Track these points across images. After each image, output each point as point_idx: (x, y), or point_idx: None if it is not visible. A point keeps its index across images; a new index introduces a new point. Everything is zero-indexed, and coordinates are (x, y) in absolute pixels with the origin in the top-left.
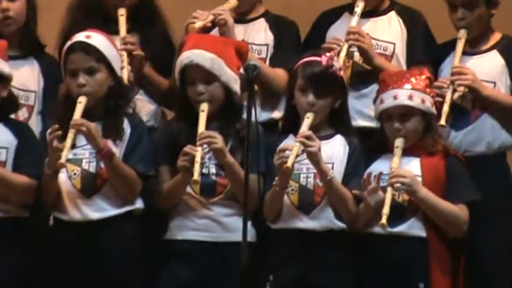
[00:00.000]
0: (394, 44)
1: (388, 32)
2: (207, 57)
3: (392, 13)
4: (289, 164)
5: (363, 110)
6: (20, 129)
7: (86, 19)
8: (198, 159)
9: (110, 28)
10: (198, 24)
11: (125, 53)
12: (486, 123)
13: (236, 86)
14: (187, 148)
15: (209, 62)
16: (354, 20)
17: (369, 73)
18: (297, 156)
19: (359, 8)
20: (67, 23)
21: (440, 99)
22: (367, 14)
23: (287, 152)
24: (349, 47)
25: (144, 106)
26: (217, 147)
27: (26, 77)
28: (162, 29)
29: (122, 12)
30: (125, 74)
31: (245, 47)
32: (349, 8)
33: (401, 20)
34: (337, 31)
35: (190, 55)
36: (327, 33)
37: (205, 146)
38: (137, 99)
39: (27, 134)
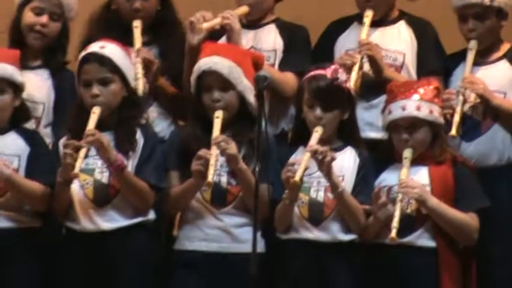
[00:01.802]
0: (404, 54)
1: (397, 42)
2: (226, 64)
3: (402, 23)
4: (296, 178)
5: (372, 121)
6: (32, 138)
7: (106, 31)
8: (212, 162)
9: (129, 40)
10: (206, 25)
11: (140, 65)
12: (497, 134)
13: (251, 96)
14: (202, 152)
15: (228, 69)
16: (364, 31)
17: (379, 84)
18: (306, 169)
19: (368, 18)
20: (87, 35)
21: (450, 110)
22: (375, 24)
23: (295, 166)
24: (362, 58)
25: (158, 119)
26: (230, 153)
27: (35, 88)
28: (181, 41)
29: (136, 24)
30: (140, 85)
31: (262, 59)
32: (358, 18)
33: (411, 29)
34: (345, 41)
35: (209, 62)
36: (336, 43)
37: (218, 152)
38: (151, 111)
39: (40, 142)
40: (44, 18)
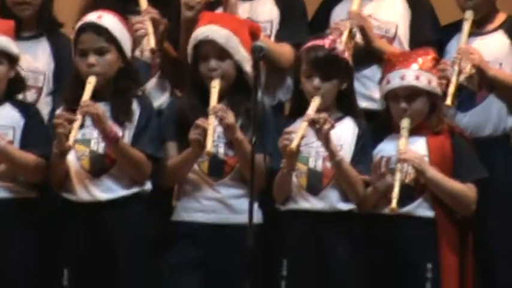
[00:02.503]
0: (397, 25)
1: (391, 13)
2: (222, 33)
3: None
4: (293, 146)
5: (363, 91)
6: (26, 110)
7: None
8: (210, 131)
9: (129, 8)
10: None
11: (149, 22)
12: (492, 105)
13: (248, 66)
14: (200, 121)
15: (225, 38)
16: (356, 2)
17: (369, 54)
18: (302, 138)
19: None
20: (86, 3)
21: (444, 81)
22: None
23: (292, 135)
24: (351, 29)
25: (156, 90)
26: (228, 122)
27: (36, 59)
28: (177, 12)
29: None
30: (152, 39)
31: (259, 29)
32: None
33: (405, 1)
34: (340, 12)
35: (206, 30)
36: (331, 14)
37: (216, 121)
38: (153, 82)
39: (34, 114)
40: None
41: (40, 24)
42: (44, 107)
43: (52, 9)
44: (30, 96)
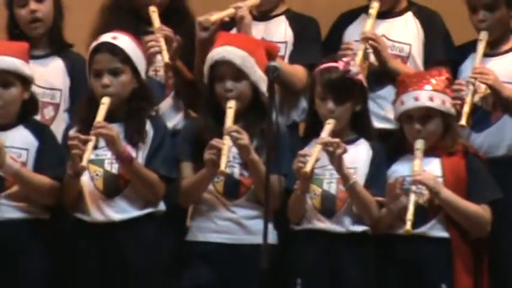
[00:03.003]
0: (410, 45)
1: (404, 33)
2: (238, 54)
3: (409, 14)
4: (307, 168)
5: (378, 111)
6: (40, 131)
7: (118, 20)
8: (225, 151)
9: (141, 29)
10: (214, 17)
11: (162, 38)
12: (507, 125)
13: (264, 87)
14: (214, 141)
15: (240, 59)
16: (369, 23)
17: (384, 74)
18: (317, 161)
19: (374, 10)
20: (99, 24)
21: (459, 101)
22: (383, 15)
23: (307, 157)
24: (365, 50)
25: (170, 111)
26: (242, 144)
27: (52, 76)
28: (191, 32)
29: (153, 9)
30: (165, 56)
31: (275, 49)
32: (366, 10)
33: (418, 20)
34: (353, 32)
35: (222, 51)
36: (344, 34)
37: (231, 143)
38: (164, 104)
39: (48, 136)
40: (31, 5)
41: (51, 42)
42: (61, 123)
43: (62, 29)
44: (47, 113)
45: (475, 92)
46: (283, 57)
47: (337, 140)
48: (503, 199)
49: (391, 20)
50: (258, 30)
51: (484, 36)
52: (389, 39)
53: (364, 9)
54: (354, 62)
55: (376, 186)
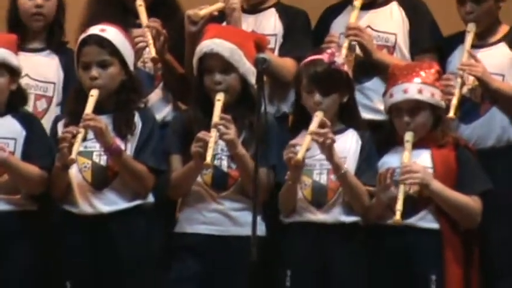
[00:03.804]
0: (396, 34)
1: (389, 23)
2: (227, 47)
3: (394, 3)
4: (299, 156)
5: (366, 103)
6: (28, 121)
7: (105, 12)
8: (211, 144)
9: (128, 21)
10: (204, 11)
11: (148, 32)
12: (495, 117)
13: (253, 79)
14: (201, 134)
15: (229, 52)
16: (353, 14)
17: (371, 66)
18: (307, 150)
19: (358, 1)
20: (86, 16)
21: (449, 96)
22: (368, 6)
23: (297, 147)
24: (350, 42)
25: (159, 103)
26: (228, 138)
27: (46, 69)
28: (180, 25)
29: (139, 3)
30: (152, 50)
31: (264, 41)
32: (352, 1)
33: (403, 9)
34: (339, 25)
35: (211, 44)
36: (330, 27)
37: (217, 134)
38: (152, 95)
39: (37, 126)
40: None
41: (50, 37)
42: (54, 116)
43: (63, 27)
44: (40, 105)
45: (463, 84)
46: (273, 50)
47: (326, 130)
48: (493, 190)
49: (376, 10)
50: (248, 23)
51: (471, 28)
52: (375, 30)
53: (350, 1)
54: (338, 53)
55: (367, 175)
